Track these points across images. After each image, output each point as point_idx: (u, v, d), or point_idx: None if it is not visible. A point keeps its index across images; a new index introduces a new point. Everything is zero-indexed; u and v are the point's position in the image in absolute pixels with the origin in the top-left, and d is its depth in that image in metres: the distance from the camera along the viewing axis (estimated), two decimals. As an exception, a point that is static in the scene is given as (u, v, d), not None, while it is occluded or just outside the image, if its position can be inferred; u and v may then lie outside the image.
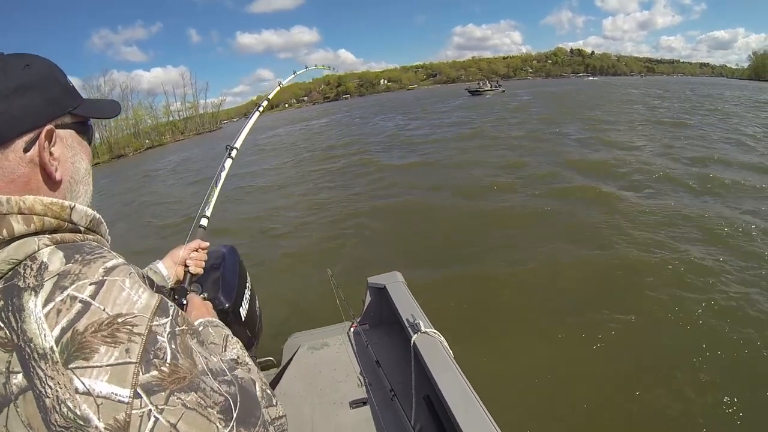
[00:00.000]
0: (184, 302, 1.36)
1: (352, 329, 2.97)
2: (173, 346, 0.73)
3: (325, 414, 2.33)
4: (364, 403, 2.32)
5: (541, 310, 4.93)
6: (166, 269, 1.51)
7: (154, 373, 0.67)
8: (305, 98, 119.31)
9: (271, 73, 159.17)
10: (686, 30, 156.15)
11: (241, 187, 13.66)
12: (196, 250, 1.63)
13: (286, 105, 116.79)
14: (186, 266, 1.57)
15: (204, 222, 1.91)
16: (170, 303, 0.79)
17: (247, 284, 2.53)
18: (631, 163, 10.98)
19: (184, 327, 0.79)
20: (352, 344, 2.87)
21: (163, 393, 0.67)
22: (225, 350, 1.10)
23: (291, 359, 2.77)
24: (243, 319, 2.35)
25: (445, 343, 2.12)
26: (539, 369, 3.99)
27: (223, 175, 2.08)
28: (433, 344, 2.11)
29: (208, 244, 1.69)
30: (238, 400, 0.80)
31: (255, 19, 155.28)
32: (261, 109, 2.39)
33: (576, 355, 4.19)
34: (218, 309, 2.12)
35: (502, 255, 6.35)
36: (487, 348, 4.29)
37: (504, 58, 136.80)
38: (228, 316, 2.24)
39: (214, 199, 2.00)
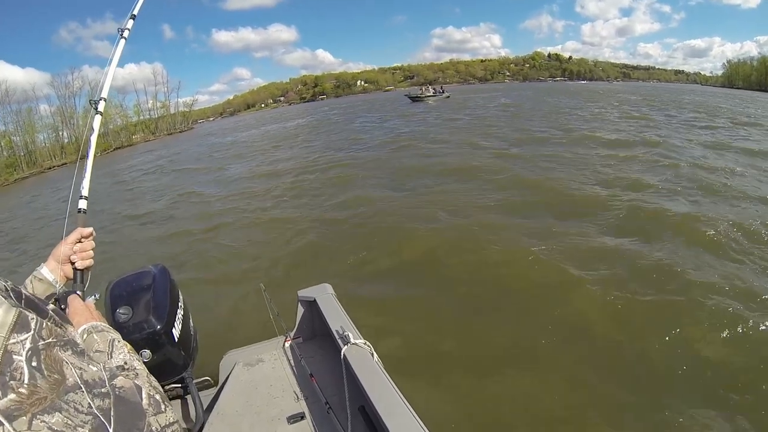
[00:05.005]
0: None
1: (286, 343, 2.94)
2: (34, 364, 0.69)
3: (264, 431, 2.30)
4: (302, 418, 2.29)
5: (471, 312, 5.06)
6: (51, 272, 1.41)
7: (12, 396, 0.64)
8: (282, 98, 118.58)
9: (249, 72, 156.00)
10: (664, 37, 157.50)
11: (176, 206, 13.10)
12: (80, 241, 1.50)
13: (263, 105, 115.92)
14: (72, 263, 1.45)
15: (82, 204, 1.72)
16: (31, 316, 0.75)
17: (180, 304, 2.49)
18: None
19: (51, 340, 0.75)
20: (287, 358, 2.83)
21: (24, 417, 0.63)
22: (111, 357, 1.04)
23: (227, 377, 2.72)
24: (176, 339, 2.30)
25: (375, 353, 2.15)
26: (467, 372, 4.14)
27: (94, 138, 1.86)
28: (362, 355, 2.14)
29: (90, 230, 1.55)
30: (112, 414, 0.76)
31: (232, 16, 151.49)
32: (126, 34, 2.12)
33: (505, 360, 4.31)
34: (149, 331, 2.18)
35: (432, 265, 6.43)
36: (416, 355, 4.44)
37: (482, 61, 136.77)
38: (160, 338, 2.20)
39: (88, 173, 1.79)
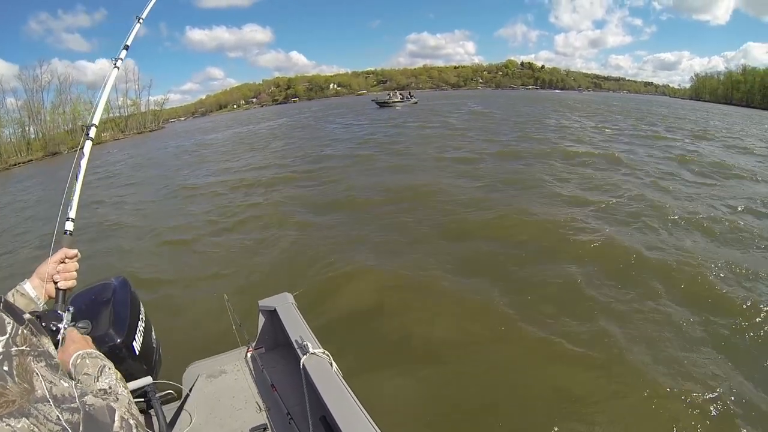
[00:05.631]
0: (56, 328, 1.27)
1: (248, 354, 2.92)
2: (5, 368, 0.69)
3: None
4: (265, 429, 2.28)
5: (427, 325, 5.21)
6: (35, 289, 1.41)
7: None
8: (254, 99, 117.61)
9: (222, 72, 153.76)
10: (635, 50, 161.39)
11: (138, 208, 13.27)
12: (63, 261, 1.50)
13: (235, 106, 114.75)
14: (55, 282, 1.46)
15: (69, 226, 1.75)
16: (8, 320, 0.76)
17: (141, 316, 2.43)
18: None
19: (24, 348, 0.75)
20: (249, 369, 2.82)
21: None
22: (97, 380, 1.04)
23: (190, 390, 2.67)
24: (137, 353, 2.26)
25: (334, 363, 2.16)
26: (425, 382, 4.26)
27: (84, 163, 1.89)
28: (321, 364, 2.15)
29: (75, 252, 1.56)
30: (81, 429, 0.75)
31: (207, 14, 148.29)
32: (119, 64, 2.23)
33: (460, 371, 4.41)
34: (109, 345, 2.12)
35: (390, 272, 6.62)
36: (378, 363, 4.52)
37: (455, 67, 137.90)
38: (121, 352, 2.16)
39: (76, 196, 1.83)
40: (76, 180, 1.84)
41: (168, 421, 2.33)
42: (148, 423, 2.38)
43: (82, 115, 63.56)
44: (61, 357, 1.16)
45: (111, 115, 72.24)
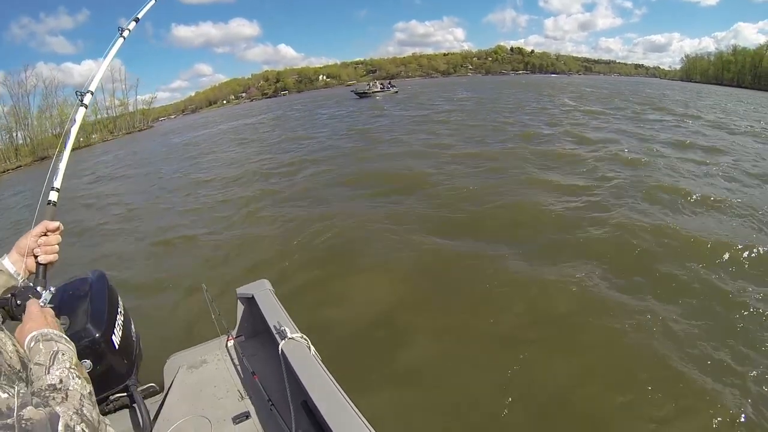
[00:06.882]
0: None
1: (229, 343, 2.92)
2: None
3: None
4: (247, 417, 2.28)
5: (412, 309, 5.16)
6: (13, 264, 1.37)
7: None
8: (243, 94, 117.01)
9: (210, 68, 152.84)
10: (625, 32, 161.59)
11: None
12: (45, 234, 1.43)
13: (225, 102, 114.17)
14: (35, 256, 1.40)
15: (53, 197, 1.68)
16: None
17: (119, 309, 2.40)
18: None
19: None
20: (230, 358, 2.82)
21: None
22: (48, 371, 0.98)
23: (172, 382, 2.65)
24: (116, 347, 2.23)
25: (312, 347, 2.16)
26: (407, 367, 4.25)
27: (74, 130, 1.84)
28: (299, 349, 2.15)
29: (57, 224, 1.47)
30: None
31: (192, 10, 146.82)
32: (126, 34, 2.21)
33: (445, 357, 4.36)
34: (88, 339, 2.09)
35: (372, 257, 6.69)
36: (357, 347, 4.49)
37: (444, 54, 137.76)
38: (100, 346, 2.13)
39: (63, 165, 1.76)
40: (65, 148, 1.77)
41: (152, 414, 2.37)
42: (134, 417, 2.37)
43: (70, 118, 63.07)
44: (18, 336, 1.13)
45: (99, 116, 71.88)
